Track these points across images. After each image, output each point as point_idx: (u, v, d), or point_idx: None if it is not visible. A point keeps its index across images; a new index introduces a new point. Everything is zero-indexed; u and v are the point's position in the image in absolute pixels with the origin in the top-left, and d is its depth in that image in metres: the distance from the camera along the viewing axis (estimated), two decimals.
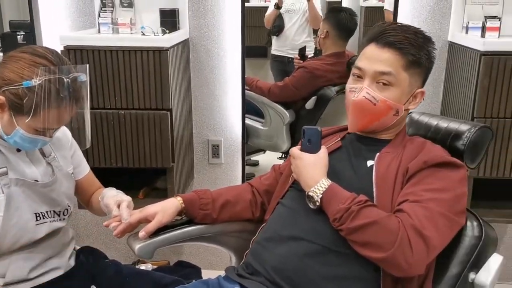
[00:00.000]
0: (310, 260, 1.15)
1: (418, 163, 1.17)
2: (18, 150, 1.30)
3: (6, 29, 2.26)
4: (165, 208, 1.33)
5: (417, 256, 1.04)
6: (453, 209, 1.13)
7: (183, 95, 2.11)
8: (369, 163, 1.23)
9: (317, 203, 1.16)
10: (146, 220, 1.32)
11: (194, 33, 2.19)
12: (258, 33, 2.65)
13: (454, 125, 1.33)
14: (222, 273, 1.31)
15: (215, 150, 2.32)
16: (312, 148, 1.24)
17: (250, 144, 2.57)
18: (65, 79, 1.17)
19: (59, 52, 1.26)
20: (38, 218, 1.31)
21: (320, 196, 1.15)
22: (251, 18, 2.45)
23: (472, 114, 1.87)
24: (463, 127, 1.31)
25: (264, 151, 2.75)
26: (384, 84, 1.21)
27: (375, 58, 1.22)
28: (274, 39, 2.75)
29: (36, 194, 1.31)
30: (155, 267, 1.86)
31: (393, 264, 1.06)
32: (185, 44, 2.14)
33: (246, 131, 2.41)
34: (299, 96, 2.50)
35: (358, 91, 1.23)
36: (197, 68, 2.23)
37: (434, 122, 1.39)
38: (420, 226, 1.06)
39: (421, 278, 1.14)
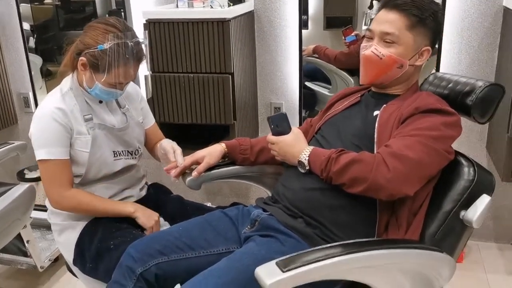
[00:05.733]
0: (315, 192, 1.35)
1: (411, 109, 1.31)
2: (100, 102, 1.65)
3: (113, 6, 2.74)
4: (211, 152, 1.61)
5: (394, 171, 1.19)
6: (435, 142, 1.24)
7: (246, 61, 2.37)
8: (376, 113, 1.39)
9: (306, 167, 1.35)
10: (197, 163, 1.60)
11: (259, 5, 2.42)
12: (343, 3, 2.60)
13: (470, 81, 1.42)
14: None
15: (277, 112, 2.57)
16: (282, 131, 1.41)
17: (318, 109, 2.76)
18: (129, 43, 1.49)
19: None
20: (116, 155, 1.66)
21: (307, 158, 1.34)
22: None
23: None
24: (478, 83, 1.39)
25: None
26: (389, 42, 1.37)
27: (382, 20, 1.38)
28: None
29: (114, 136, 1.65)
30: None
31: (376, 187, 1.20)
32: (250, 15, 2.39)
33: (315, 97, 2.58)
34: None
35: (368, 48, 1.40)
36: (261, 37, 2.47)
37: (454, 78, 1.48)
38: (397, 150, 1.21)
39: (413, 209, 1.29)
